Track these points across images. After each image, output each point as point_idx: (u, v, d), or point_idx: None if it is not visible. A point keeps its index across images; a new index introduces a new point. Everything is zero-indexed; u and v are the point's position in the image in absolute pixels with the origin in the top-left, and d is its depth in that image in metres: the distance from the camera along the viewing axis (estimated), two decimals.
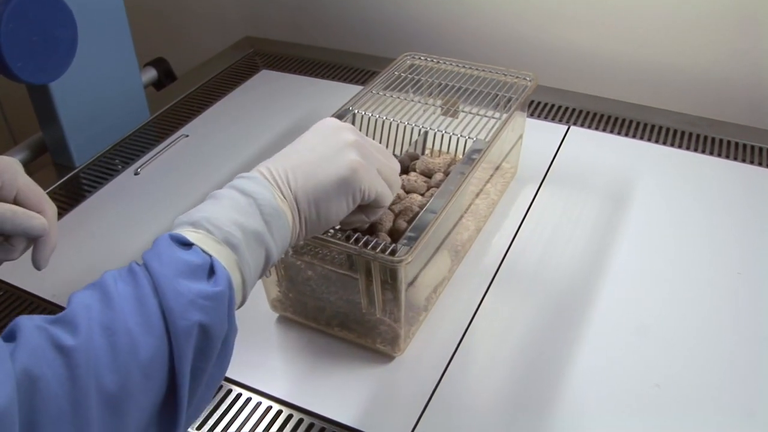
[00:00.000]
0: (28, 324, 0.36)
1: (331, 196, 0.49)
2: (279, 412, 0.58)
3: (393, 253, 0.53)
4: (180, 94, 1.06)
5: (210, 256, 0.42)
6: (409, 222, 0.56)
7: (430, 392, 0.58)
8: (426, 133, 0.74)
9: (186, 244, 0.42)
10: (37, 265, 0.51)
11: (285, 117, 0.99)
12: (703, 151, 0.88)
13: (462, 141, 0.70)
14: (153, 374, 0.37)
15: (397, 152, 0.74)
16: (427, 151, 0.76)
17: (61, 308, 0.69)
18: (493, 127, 0.68)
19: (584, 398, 0.58)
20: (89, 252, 0.76)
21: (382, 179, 0.52)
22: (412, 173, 0.69)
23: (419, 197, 0.64)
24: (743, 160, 0.86)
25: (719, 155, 0.87)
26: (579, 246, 0.73)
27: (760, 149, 0.88)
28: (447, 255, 0.68)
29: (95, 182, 0.88)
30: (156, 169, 0.90)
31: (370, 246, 0.53)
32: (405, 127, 0.72)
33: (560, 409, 0.57)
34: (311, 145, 0.50)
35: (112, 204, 0.84)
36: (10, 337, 0.35)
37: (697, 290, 0.68)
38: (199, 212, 0.44)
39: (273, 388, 0.60)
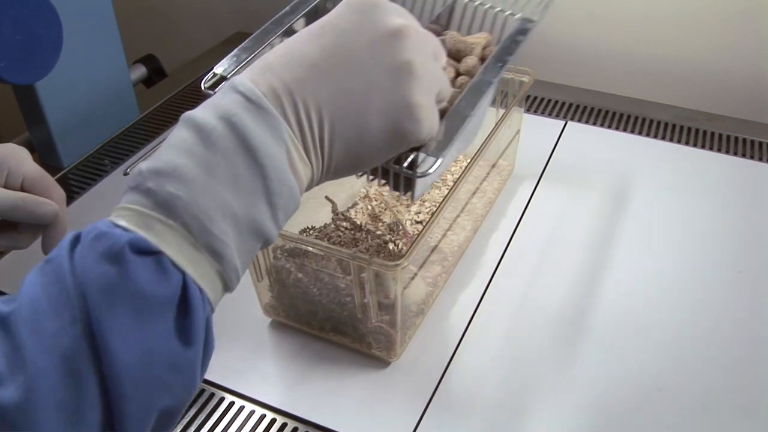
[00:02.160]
0: None
1: (380, 150, 0.36)
2: (273, 421, 0.56)
3: (412, 165, 0.39)
4: (170, 92, 1.04)
5: (183, 273, 0.30)
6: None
7: (428, 399, 0.57)
8: (453, 3, 0.56)
9: (149, 253, 0.29)
10: (48, 252, 0.49)
11: None
12: (702, 146, 0.87)
13: (501, 19, 0.54)
14: None
15: None
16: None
17: None
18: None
19: (585, 403, 0.56)
20: None
21: (437, 110, 0.39)
22: None
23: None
24: (743, 155, 0.85)
25: (718, 150, 0.86)
26: (578, 244, 0.72)
27: (760, 144, 0.87)
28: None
29: (84, 183, 0.86)
30: None
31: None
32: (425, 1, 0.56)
33: (561, 414, 0.56)
34: (353, 57, 0.35)
35: (101, 205, 0.83)
36: None
37: (697, 289, 0.66)
38: (174, 181, 0.30)
39: (266, 396, 0.58)
